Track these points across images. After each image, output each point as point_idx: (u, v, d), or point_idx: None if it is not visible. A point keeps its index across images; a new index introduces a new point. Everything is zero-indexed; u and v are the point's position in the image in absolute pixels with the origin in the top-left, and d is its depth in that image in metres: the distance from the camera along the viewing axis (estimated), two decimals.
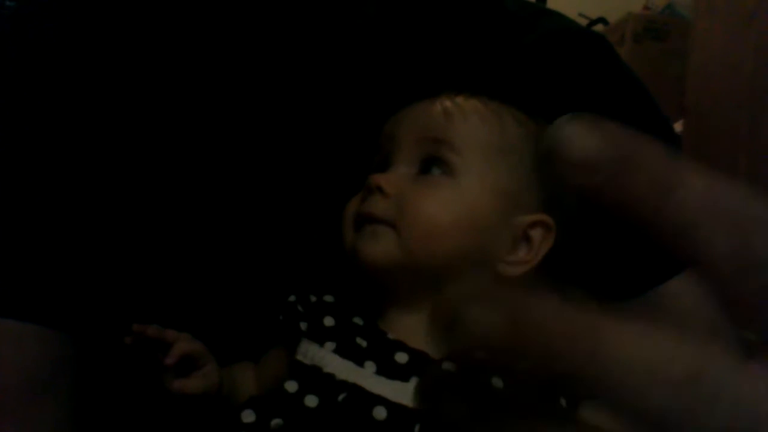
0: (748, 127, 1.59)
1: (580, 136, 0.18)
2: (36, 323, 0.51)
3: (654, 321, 0.18)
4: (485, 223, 0.51)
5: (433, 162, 0.52)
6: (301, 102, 0.58)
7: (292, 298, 0.53)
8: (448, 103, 0.53)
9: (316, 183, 0.57)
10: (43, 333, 0.51)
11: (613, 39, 2.12)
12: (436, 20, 0.61)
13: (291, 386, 0.47)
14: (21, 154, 0.53)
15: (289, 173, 0.57)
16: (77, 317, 0.52)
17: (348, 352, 0.49)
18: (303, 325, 0.51)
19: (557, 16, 0.65)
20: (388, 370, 0.47)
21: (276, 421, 0.46)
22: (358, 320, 0.51)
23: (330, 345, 0.49)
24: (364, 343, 0.49)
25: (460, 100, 0.53)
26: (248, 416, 0.47)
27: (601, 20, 2.37)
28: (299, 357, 0.49)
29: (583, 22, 2.20)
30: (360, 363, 0.48)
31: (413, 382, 0.47)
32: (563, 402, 0.36)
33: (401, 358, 0.48)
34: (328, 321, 0.51)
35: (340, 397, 0.46)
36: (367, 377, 0.47)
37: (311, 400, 0.46)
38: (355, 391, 0.46)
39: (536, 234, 0.51)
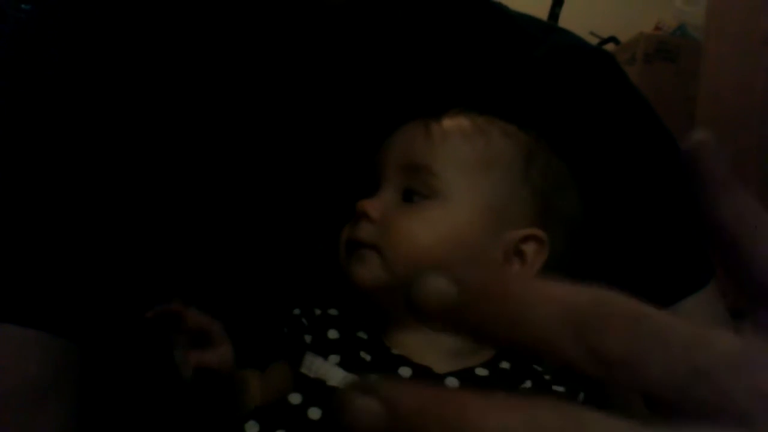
0: (758, 150, 1.59)
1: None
2: (38, 329, 0.51)
3: None
4: (471, 240, 0.51)
5: (413, 192, 0.52)
6: (314, 114, 0.58)
7: (296, 311, 0.53)
8: (430, 125, 0.54)
9: (321, 197, 0.57)
10: (45, 339, 0.51)
11: (623, 58, 2.12)
12: (446, 35, 0.61)
13: (295, 398, 0.48)
14: (22, 158, 0.53)
15: (294, 188, 0.57)
16: (79, 323, 0.52)
17: (352, 365, 0.49)
18: (307, 338, 0.51)
19: (567, 33, 0.65)
20: None
21: None
22: (362, 334, 0.51)
23: (334, 358, 0.49)
24: (368, 357, 0.49)
25: (444, 120, 0.54)
26: (252, 427, 0.47)
27: (613, 39, 2.37)
28: (303, 370, 0.50)
29: (595, 40, 2.20)
30: None
31: None
32: None
33: (405, 372, 0.48)
34: (333, 334, 0.51)
35: None
36: None
37: (315, 413, 0.47)
38: None
39: (529, 248, 0.52)
